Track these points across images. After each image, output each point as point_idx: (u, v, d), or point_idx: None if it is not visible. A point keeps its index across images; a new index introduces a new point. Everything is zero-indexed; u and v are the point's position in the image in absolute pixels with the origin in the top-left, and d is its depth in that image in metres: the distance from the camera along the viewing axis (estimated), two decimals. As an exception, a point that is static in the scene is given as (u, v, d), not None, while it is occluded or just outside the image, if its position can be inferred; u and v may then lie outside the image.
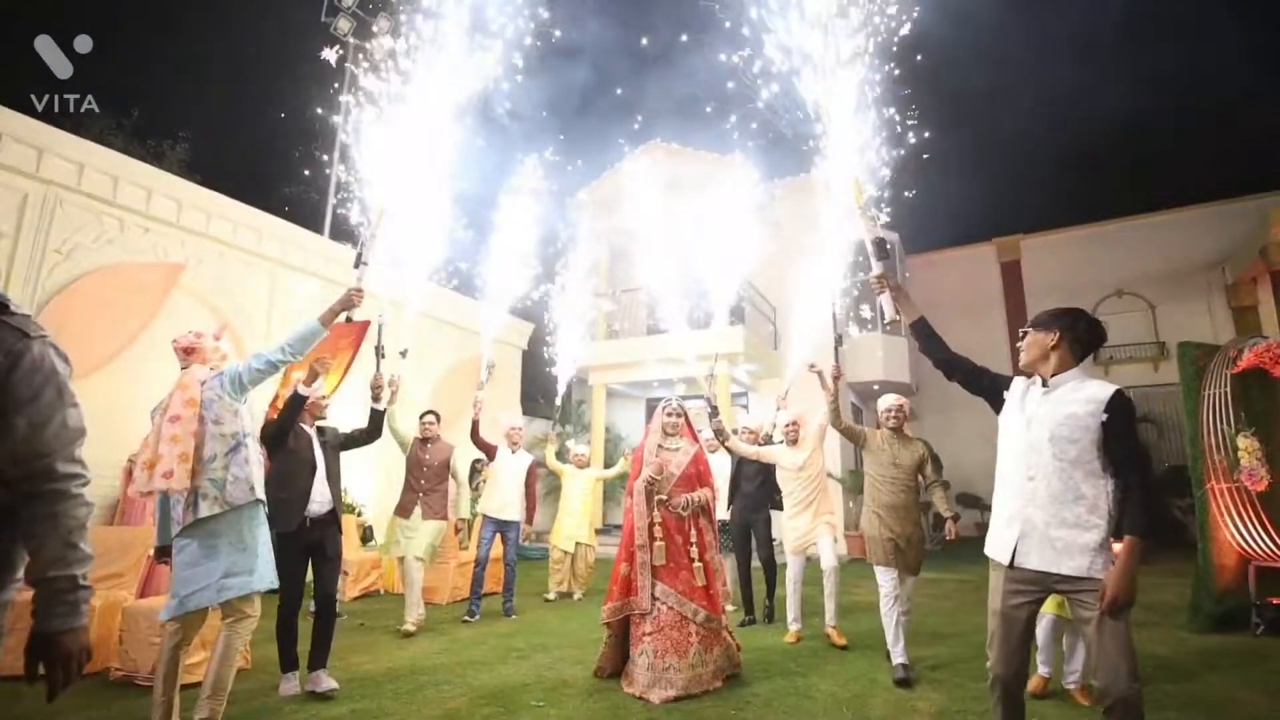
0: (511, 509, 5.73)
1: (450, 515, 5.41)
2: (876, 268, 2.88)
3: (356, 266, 3.45)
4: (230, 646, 2.84)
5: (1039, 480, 2.19)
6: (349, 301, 3.20)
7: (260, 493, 2.94)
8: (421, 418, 5.39)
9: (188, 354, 3.00)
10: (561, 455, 7.24)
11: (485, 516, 5.75)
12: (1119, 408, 2.12)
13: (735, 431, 5.45)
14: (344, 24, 10.42)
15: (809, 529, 4.79)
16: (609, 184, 12.85)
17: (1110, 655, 2.01)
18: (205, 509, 2.79)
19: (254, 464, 2.94)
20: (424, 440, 5.30)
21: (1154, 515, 2.09)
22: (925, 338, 2.69)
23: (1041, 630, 3.55)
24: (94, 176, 6.13)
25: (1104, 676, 2.04)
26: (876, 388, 12.72)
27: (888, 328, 12.30)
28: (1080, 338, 2.27)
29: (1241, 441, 5.19)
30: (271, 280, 7.69)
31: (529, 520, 6.00)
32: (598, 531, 8.00)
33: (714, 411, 4.94)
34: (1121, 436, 2.12)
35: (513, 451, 5.96)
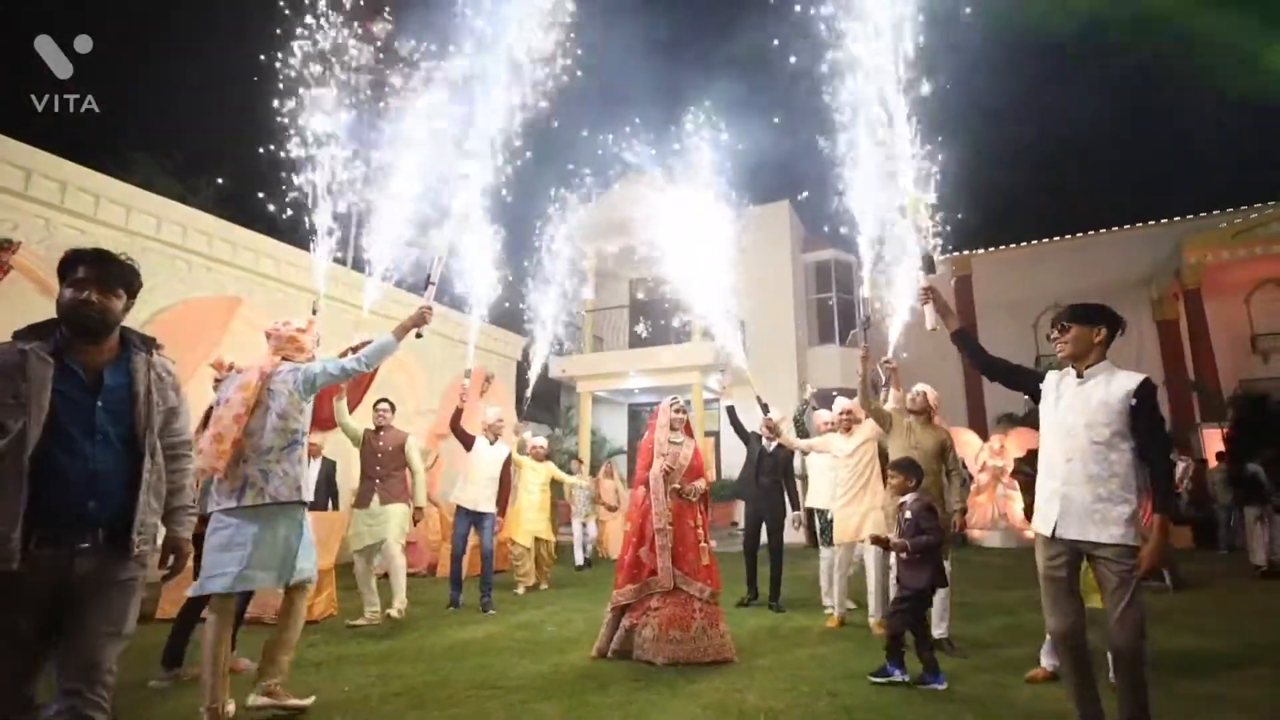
0: (486, 500, 5.68)
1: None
2: (924, 280, 3.03)
3: (425, 288, 3.75)
4: (297, 612, 2.96)
5: (1076, 461, 2.39)
6: (420, 319, 3.37)
7: (305, 494, 2.96)
8: (375, 405, 5.34)
9: (268, 339, 3.23)
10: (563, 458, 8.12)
11: (459, 508, 5.68)
12: (1146, 394, 2.33)
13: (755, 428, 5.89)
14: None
15: (858, 522, 4.68)
16: (596, 209, 14.19)
17: (1126, 614, 2.28)
18: (250, 498, 2.79)
19: (304, 464, 2.99)
20: (377, 429, 5.22)
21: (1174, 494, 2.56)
22: (969, 346, 2.88)
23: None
24: (169, 226, 7.42)
25: (1117, 633, 2.30)
26: (834, 394, 14.12)
27: (848, 342, 13.81)
28: (1114, 333, 2.54)
29: None
30: (310, 308, 8.97)
31: (502, 512, 5.92)
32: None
33: (765, 408, 5.43)
34: (1147, 419, 2.33)
35: (490, 443, 5.90)
